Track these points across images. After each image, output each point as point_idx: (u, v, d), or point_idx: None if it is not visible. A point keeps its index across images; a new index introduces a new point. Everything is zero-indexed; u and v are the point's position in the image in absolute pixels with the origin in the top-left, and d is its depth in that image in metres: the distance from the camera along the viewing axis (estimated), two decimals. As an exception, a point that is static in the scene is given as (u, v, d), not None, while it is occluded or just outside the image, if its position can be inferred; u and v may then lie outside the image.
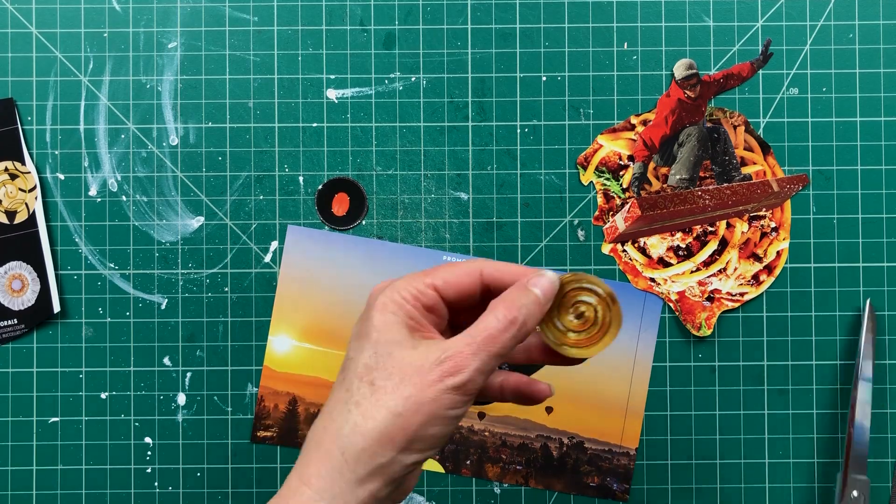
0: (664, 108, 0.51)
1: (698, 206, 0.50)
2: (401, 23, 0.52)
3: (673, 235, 0.50)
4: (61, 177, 0.51)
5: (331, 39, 0.52)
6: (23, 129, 0.51)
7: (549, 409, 0.51)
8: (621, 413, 0.51)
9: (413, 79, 0.52)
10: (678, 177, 0.50)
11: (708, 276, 0.51)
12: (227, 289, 0.52)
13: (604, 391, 0.51)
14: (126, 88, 0.52)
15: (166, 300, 0.52)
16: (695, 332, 0.51)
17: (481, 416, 0.51)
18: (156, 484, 0.51)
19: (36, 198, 0.51)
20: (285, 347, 0.51)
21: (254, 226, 0.52)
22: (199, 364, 0.52)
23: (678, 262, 0.51)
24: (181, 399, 0.52)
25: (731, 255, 0.51)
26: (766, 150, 0.51)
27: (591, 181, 0.51)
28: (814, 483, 0.51)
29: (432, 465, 0.51)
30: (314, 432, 0.35)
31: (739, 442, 0.52)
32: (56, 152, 0.51)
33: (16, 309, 0.51)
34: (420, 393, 0.33)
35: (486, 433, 0.51)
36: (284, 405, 0.51)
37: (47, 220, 0.51)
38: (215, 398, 0.52)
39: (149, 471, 0.51)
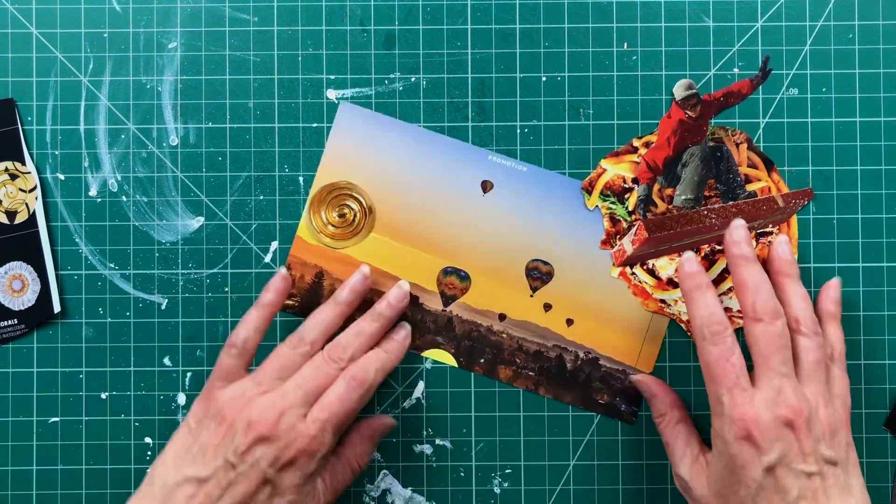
0: (666, 129, 0.51)
1: (705, 226, 0.50)
2: (401, 23, 0.52)
3: (682, 256, 0.50)
4: (61, 177, 0.52)
5: (331, 40, 0.52)
6: (23, 130, 0.51)
7: (569, 321, 0.51)
8: (640, 336, 0.51)
9: (413, 79, 0.52)
10: (683, 197, 0.50)
11: (718, 296, 0.51)
12: (227, 289, 0.52)
13: (626, 313, 0.52)
14: (126, 89, 0.52)
15: (166, 300, 0.52)
16: None
17: (502, 317, 0.51)
18: (156, 484, 0.51)
19: (36, 198, 0.51)
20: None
21: (254, 226, 0.52)
22: (199, 364, 0.52)
23: None
24: (181, 399, 0.52)
25: None
26: (769, 166, 0.51)
27: (597, 205, 0.51)
28: (813, 483, 0.51)
29: (446, 358, 0.51)
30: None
31: (739, 442, 0.51)
32: (56, 152, 0.52)
33: (16, 309, 0.51)
34: None
35: (504, 335, 0.52)
36: (311, 276, 0.51)
37: (47, 220, 0.51)
38: (215, 398, 0.52)
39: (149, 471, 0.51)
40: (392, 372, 0.51)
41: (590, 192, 0.51)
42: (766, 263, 0.48)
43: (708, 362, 0.43)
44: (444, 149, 0.51)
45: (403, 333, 0.50)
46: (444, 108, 0.52)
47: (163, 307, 0.52)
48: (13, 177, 0.51)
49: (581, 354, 0.51)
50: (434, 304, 0.51)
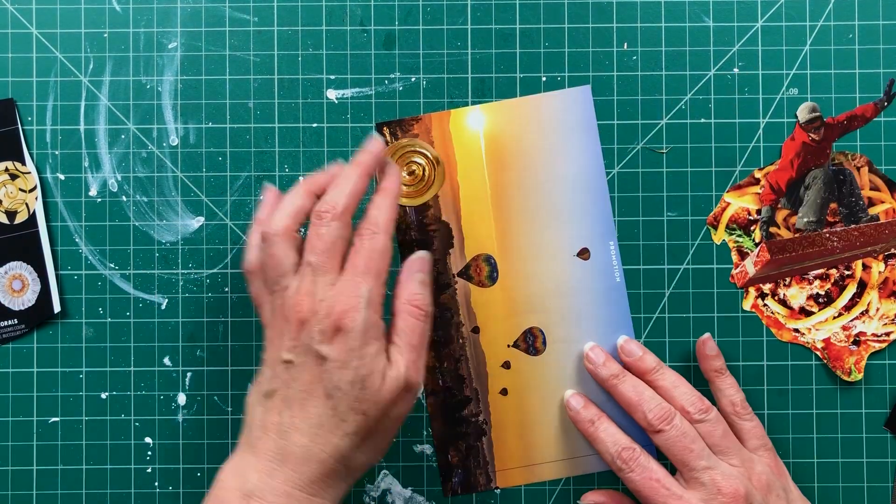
0: (789, 151, 0.51)
1: (827, 249, 0.50)
2: (401, 23, 0.52)
3: (811, 283, 0.51)
4: (61, 177, 0.52)
5: (331, 40, 0.52)
6: (23, 130, 0.51)
7: (504, 392, 0.51)
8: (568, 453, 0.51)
9: (413, 79, 0.52)
10: (806, 219, 0.50)
11: (851, 320, 0.51)
12: (227, 289, 0.52)
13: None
14: (126, 89, 0.52)
15: (166, 300, 0.52)
16: (845, 378, 0.51)
17: (475, 330, 0.51)
18: (156, 484, 0.51)
19: (36, 198, 0.51)
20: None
21: (254, 226, 0.52)
22: (199, 364, 0.52)
23: (820, 310, 0.51)
24: (181, 399, 0.52)
25: (872, 295, 0.51)
26: (892, 187, 0.51)
27: (724, 240, 0.51)
28: (813, 483, 0.51)
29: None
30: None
31: (739, 442, 0.52)
32: (56, 152, 0.52)
33: (16, 309, 0.51)
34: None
35: (474, 349, 0.52)
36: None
37: (47, 220, 0.51)
38: (215, 398, 0.52)
39: (149, 471, 0.51)
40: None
41: (715, 227, 0.51)
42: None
43: (635, 489, 0.46)
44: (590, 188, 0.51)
45: (393, 168, 0.47)
46: (444, 108, 0.52)
47: (163, 307, 0.52)
48: (13, 177, 0.51)
49: None
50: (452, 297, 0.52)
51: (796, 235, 0.50)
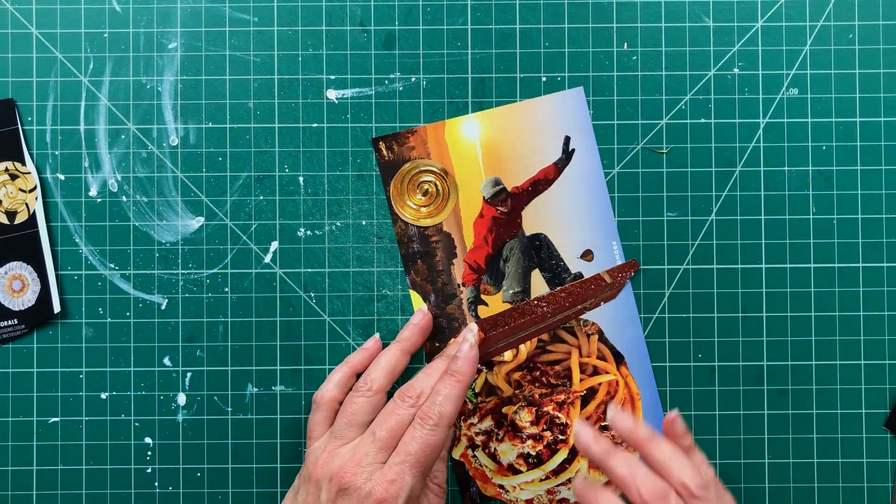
0: (481, 228, 0.51)
1: (538, 315, 0.50)
2: (401, 23, 0.52)
3: (524, 442, 0.51)
4: (61, 177, 0.52)
5: (331, 40, 0.52)
6: (23, 130, 0.51)
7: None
8: None
9: (413, 79, 0.52)
10: (511, 291, 0.51)
11: (557, 485, 0.51)
12: (227, 289, 0.52)
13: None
14: (126, 89, 0.52)
15: (166, 300, 0.52)
16: None
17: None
18: (156, 484, 0.51)
19: (36, 198, 0.51)
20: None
21: (254, 226, 0.52)
22: (199, 364, 0.52)
23: (528, 470, 0.51)
24: (181, 399, 0.52)
25: (582, 464, 0.51)
26: (619, 359, 0.51)
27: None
28: (813, 483, 0.51)
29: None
30: None
31: (739, 442, 0.52)
32: (56, 153, 0.52)
33: (16, 309, 0.51)
34: None
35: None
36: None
37: (47, 220, 0.51)
38: (215, 398, 0.52)
39: (149, 471, 0.51)
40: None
41: None
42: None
43: None
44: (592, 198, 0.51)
45: (466, 348, 0.47)
46: (444, 108, 0.52)
47: (163, 307, 0.52)
48: (13, 177, 0.51)
49: None
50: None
51: (505, 309, 0.51)
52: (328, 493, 0.43)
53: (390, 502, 0.42)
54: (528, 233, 0.51)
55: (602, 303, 0.51)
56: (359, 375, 0.49)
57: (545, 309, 0.50)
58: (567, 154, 0.51)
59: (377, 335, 0.51)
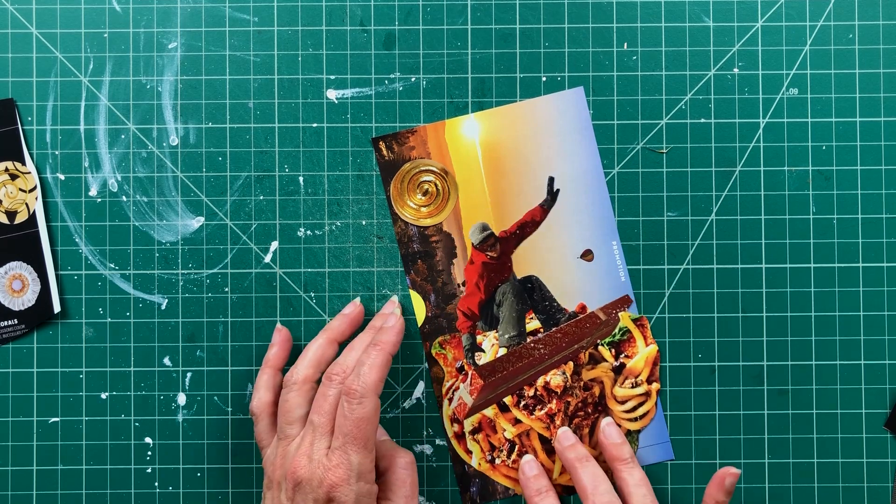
0: (472, 275, 0.51)
1: (536, 358, 0.51)
2: (401, 23, 0.52)
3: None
4: (61, 177, 0.52)
5: (331, 40, 0.52)
6: (23, 130, 0.51)
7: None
8: None
9: (413, 79, 0.52)
10: (507, 336, 0.51)
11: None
12: (227, 289, 0.52)
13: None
14: (126, 89, 0.52)
15: (166, 300, 0.52)
16: None
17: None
18: (156, 484, 0.51)
19: (36, 198, 0.51)
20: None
21: (254, 226, 0.52)
22: (199, 364, 0.52)
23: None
24: (181, 399, 0.52)
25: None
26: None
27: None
28: (813, 483, 0.51)
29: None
30: None
31: (739, 442, 0.52)
32: (56, 152, 0.52)
33: (16, 309, 0.51)
34: None
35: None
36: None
37: (47, 220, 0.51)
38: (215, 398, 0.52)
39: (149, 471, 0.51)
40: (392, 372, 0.51)
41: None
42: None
43: None
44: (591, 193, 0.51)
45: (392, 320, 0.47)
46: (444, 108, 0.52)
47: (163, 307, 0.52)
48: (13, 177, 0.51)
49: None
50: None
51: (503, 354, 0.51)
52: (287, 493, 0.44)
53: (342, 486, 0.43)
54: (519, 276, 0.51)
55: (598, 340, 0.51)
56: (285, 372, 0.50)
57: (542, 351, 0.50)
58: (552, 195, 0.51)
59: (357, 299, 0.51)
